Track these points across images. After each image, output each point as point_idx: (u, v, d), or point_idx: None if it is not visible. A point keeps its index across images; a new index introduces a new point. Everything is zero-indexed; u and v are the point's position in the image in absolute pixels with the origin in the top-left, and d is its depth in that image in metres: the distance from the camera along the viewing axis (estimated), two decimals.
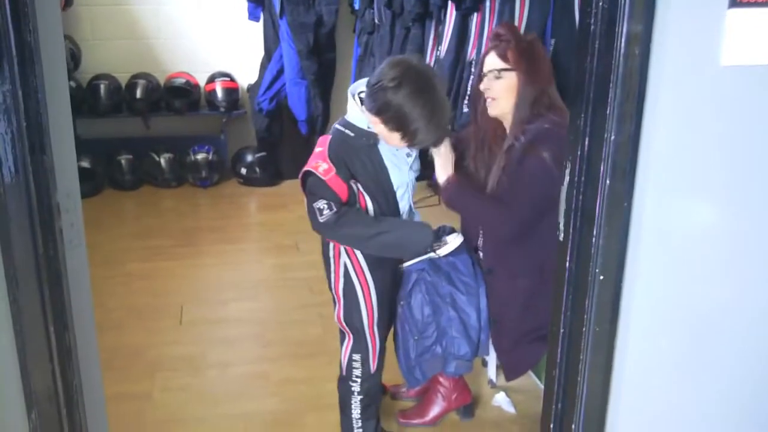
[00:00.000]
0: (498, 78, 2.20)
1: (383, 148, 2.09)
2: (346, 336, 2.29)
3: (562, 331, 1.58)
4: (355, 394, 2.31)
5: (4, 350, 1.39)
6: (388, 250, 2.16)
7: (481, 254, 2.38)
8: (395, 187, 2.13)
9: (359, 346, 2.26)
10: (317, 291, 3.62)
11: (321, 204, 2.03)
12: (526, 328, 2.25)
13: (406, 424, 2.58)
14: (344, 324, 2.26)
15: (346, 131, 2.07)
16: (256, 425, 2.59)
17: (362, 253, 2.16)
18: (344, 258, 2.18)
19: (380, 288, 2.22)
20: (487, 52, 2.26)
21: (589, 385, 1.55)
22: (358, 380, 2.30)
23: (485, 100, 2.26)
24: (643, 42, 1.33)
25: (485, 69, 2.24)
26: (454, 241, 2.32)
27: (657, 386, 1.59)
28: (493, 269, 2.32)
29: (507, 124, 2.26)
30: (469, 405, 2.62)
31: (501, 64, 2.20)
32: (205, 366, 2.97)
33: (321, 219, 2.04)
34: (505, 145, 2.22)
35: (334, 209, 2.02)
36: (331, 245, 2.19)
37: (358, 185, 2.08)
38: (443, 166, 2.25)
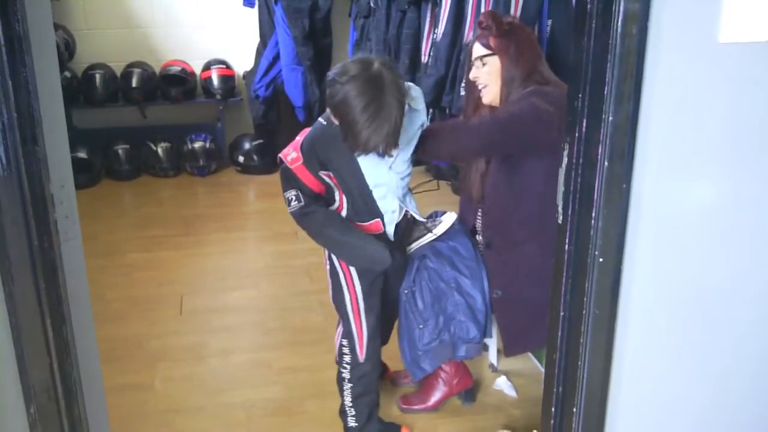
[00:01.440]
0: (484, 65, 2.26)
1: None
2: (340, 321, 2.30)
3: (561, 314, 1.57)
4: (346, 381, 2.32)
5: (0, 345, 1.38)
6: (344, 258, 2.19)
7: (479, 235, 2.38)
8: (371, 186, 2.11)
9: (346, 331, 2.28)
10: (317, 278, 3.62)
11: (290, 194, 2.09)
12: (532, 300, 2.23)
13: (408, 410, 2.57)
14: (334, 306, 2.29)
15: (323, 121, 2.08)
16: (258, 413, 2.59)
17: None
18: None
19: (366, 276, 2.21)
20: (472, 43, 2.31)
21: (590, 368, 1.55)
22: (348, 367, 2.30)
23: (479, 90, 2.30)
24: (640, 20, 1.31)
25: (472, 58, 2.30)
26: (448, 219, 2.33)
27: (658, 368, 1.58)
28: (492, 242, 2.31)
29: None
30: (470, 389, 2.62)
31: (484, 51, 2.25)
32: (207, 355, 2.97)
33: (289, 209, 2.10)
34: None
35: (302, 201, 2.07)
36: None
37: (332, 178, 2.09)
38: None
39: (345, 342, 2.28)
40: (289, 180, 2.09)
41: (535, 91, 2.16)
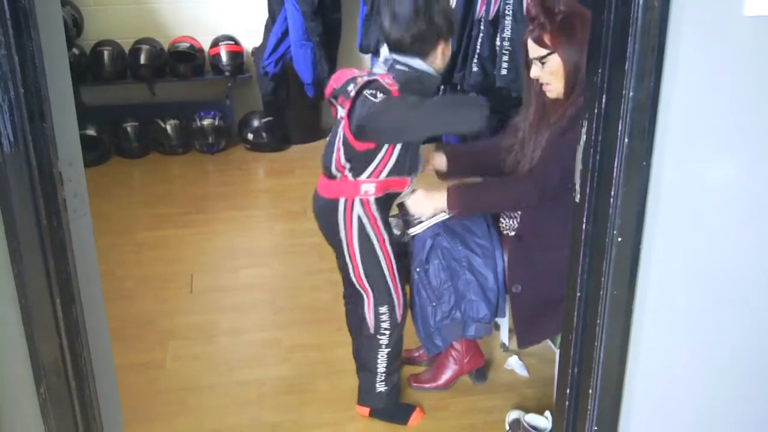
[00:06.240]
0: (543, 64, 2.11)
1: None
2: (364, 295, 2.28)
3: (578, 294, 1.54)
4: (383, 347, 2.33)
5: (10, 325, 1.37)
6: (443, 124, 2.20)
7: (505, 219, 2.34)
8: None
9: (382, 298, 2.27)
10: (326, 257, 3.58)
11: (368, 92, 2.03)
12: (550, 299, 2.19)
13: (419, 388, 2.57)
14: (364, 281, 2.26)
15: (403, 68, 2.10)
16: (269, 391, 2.59)
17: (374, 201, 2.17)
18: (357, 210, 2.17)
19: (390, 234, 2.25)
20: (526, 38, 2.15)
21: (607, 350, 1.53)
22: (387, 332, 2.31)
23: (539, 84, 2.18)
24: None
25: (530, 56, 2.15)
26: None
27: (676, 350, 1.56)
28: (523, 236, 2.27)
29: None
30: (481, 368, 2.61)
31: (540, 51, 2.10)
32: (217, 333, 2.97)
33: (375, 100, 2.01)
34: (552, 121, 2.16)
35: (384, 95, 2.02)
36: (341, 204, 2.17)
37: None
38: (429, 198, 2.23)
39: (383, 309, 2.29)
40: (378, 91, 2.04)
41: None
